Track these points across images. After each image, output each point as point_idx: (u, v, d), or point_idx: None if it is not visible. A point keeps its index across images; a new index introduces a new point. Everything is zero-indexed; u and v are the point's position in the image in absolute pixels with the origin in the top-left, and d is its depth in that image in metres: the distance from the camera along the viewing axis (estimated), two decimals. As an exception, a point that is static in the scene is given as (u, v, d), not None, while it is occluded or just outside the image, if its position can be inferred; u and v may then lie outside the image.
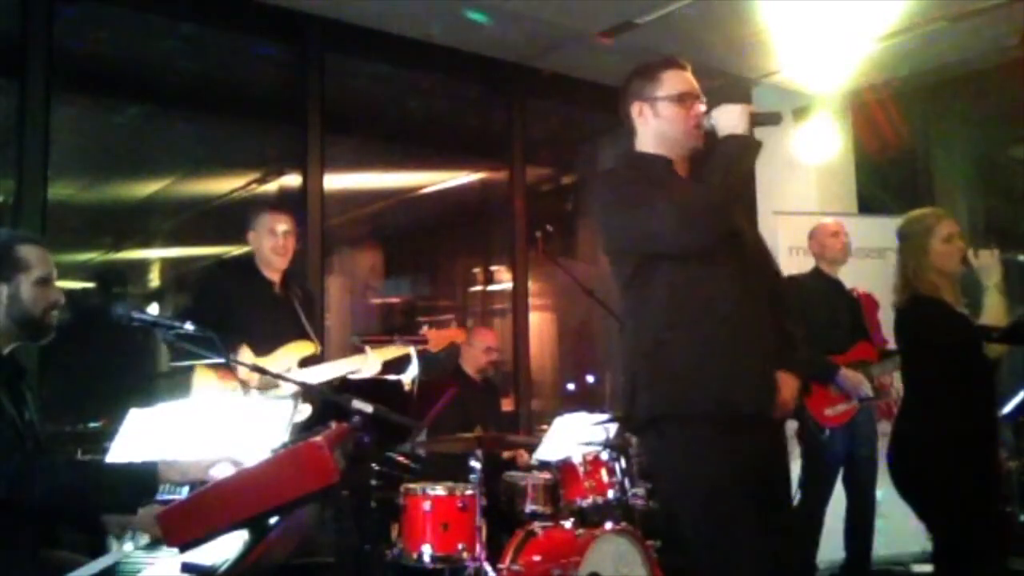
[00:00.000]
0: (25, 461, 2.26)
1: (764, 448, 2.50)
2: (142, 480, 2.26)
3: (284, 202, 5.50)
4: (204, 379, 3.70)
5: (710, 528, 2.41)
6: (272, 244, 3.94)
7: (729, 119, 2.49)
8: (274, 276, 3.99)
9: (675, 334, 2.45)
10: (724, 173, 2.45)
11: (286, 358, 3.80)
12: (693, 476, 2.42)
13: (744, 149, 2.49)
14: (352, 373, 3.88)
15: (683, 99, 2.57)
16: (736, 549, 2.37)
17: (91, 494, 2.28)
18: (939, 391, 3.16)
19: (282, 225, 3.96)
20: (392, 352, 3.98)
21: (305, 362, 3.84)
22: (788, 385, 2.57)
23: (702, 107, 2.59)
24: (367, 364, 3.89)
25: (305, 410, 3.24)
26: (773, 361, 2.54)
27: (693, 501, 2.44)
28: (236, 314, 3.72)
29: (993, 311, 3.09)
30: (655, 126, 2.59)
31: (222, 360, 2.75)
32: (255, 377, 3.43)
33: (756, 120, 2.53)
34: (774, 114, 2.65)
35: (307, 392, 3.02)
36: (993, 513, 3.14)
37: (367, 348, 3.94)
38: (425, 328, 4.27)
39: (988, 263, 3.15)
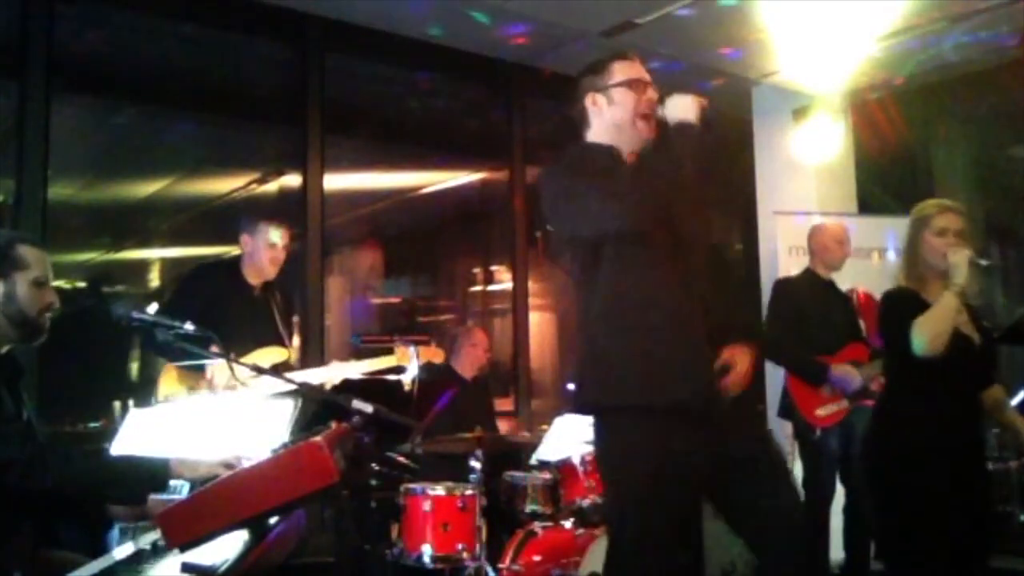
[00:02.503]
0: (38, 449, 2.28)
1: (699, 445, 2.43)
2: (153, 471, 2.28)
3: (284, 202, 5.50)
4: (168, 381, 3.70)
5: (635, 521, 2.42)
6: (271, 256, 3.99)
7: (679, 108, 2.47)
8: (256, 281, 4.03)
9: (618, 326, 2.45)
10: (671, 160, 2.44)
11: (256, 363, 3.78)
12: (631, 468, 2.43)
13: (694, 138, 2.45)
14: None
15: (634, 85, 2.57)
16: (655, 551, 2.40)
17: (102, 482, 2.30)
18: (907, 383, 3.07)
19: (282, 239, 4.01)
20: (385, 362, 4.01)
21: (274, 369, 3.83)
22: (743, 359, 2.61)
23: (654, 94, 2.57)
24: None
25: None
26: (709, 353, 2.55)
27: (627, 494, 2.45)
28: (213, 314, 3.68)
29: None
30: (609, 114, 2.59)
31: (222, 359, 2.74)
32: (223, 379, 3.45)
33: (705, 115, 2.47)
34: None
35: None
36: (948, 517, 2.91)
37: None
38: (402, 347, 4.10)
39: (956, 262, 2.98)
